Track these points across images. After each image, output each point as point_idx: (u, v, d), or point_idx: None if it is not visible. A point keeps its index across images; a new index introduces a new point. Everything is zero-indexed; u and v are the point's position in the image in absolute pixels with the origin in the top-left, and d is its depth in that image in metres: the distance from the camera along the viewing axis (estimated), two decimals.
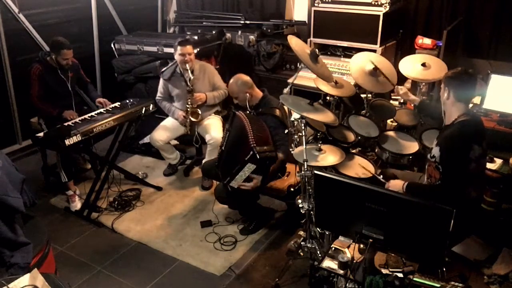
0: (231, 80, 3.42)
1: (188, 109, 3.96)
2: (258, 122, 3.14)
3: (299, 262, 3.02)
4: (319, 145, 2.82)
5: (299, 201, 2.84)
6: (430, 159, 2.49)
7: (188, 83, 3.89)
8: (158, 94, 4.16)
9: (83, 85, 4.13)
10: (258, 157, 2.88)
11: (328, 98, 3.46)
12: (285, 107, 3.34)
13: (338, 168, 2.84)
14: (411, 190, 2.49)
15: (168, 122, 4.16)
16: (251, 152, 2.90)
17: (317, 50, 3.10)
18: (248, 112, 3.28)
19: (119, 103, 3.86)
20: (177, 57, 3.89)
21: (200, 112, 3.98)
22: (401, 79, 3.46)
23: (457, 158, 2.35)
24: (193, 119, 3.97)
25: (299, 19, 4.98)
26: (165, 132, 4.10)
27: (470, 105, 3.52)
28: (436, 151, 2.44)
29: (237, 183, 3.08)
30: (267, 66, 4.76)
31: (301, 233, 3.06)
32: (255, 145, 2.91)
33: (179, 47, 3.83)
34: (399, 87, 3.25)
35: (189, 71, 3.84)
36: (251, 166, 2.96)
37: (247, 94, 3.32)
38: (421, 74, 3.25)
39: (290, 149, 2.88)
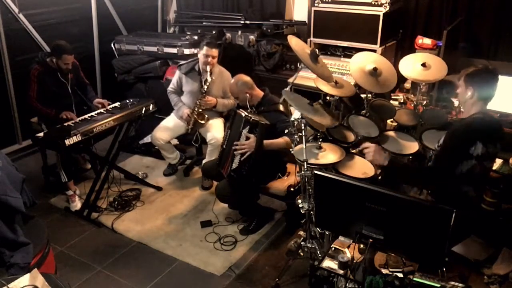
0: (232, 81, 3.44)
1: (195, 109, 3.96)
2: (257, 114, 3.19)
3: (299, 262, 3.02)
4: (319, 143, 2.82)
5: (299, 201, 2.84)
6: (436, 148, 2.50)
7: (204, 85, 3.87)
8: (171, 85, 4.16)
9: (82, 86, 4.12)
10: (249, 119, 3.00)
11: (328, 98, 3.46)
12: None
13: (338, 168, 2.84)
14: (393, 166, 2.41)
15: (170, 121, 4.16)
16: (243, 119, 3.02)
17: (317, 50, 3.09)
18: (249, 110, 3.29)
19: (119, 103, 3.86)
20: (200, 56, 3.88)
21: (207, 116, 3.98)
22: (401, 79, 3.45)
23: (455, 145, 2.34)
24: (199, 120, 3.96)
25: (299, 19, 4.98)
26: (166, 131, 4.10)
27: None
28: (442, 139, 2.45)
29: (236, 154, 3.13)
30: (267, 66, 4.76)
31: (301, 233, 3.06)
32: (246, 114, 3.04)
33: (205, 48, 3.81)
34: None
35: (208, 74, 3.84)
36: (245, 130, 3.07)
37: (247, 95, 3.34)
38: (421, 74, 3.25)
39: (291, 149, 2.88)
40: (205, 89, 3.87)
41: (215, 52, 3.85)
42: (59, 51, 3.71)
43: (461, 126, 2.39)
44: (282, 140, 3.14)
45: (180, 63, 4.13)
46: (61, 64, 3.74)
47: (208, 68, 3.83)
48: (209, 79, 3.85)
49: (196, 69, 3.99)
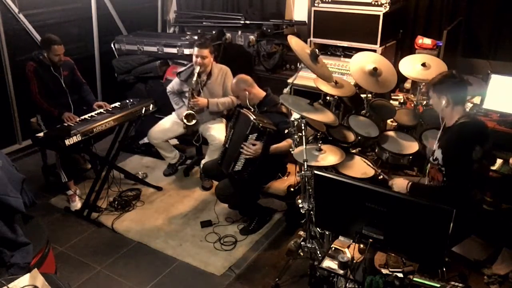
0: (232, 81, 3.44)
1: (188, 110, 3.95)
2: (262, 116, 3.18)
3: (299, 262, 3.03)
4: (319, 145, 2.82)
5: (299, 201, 2.84)
6: (432, 162, 2.49)
7: (194, 85, 3.84)
8: (170, 86, 4.12)
9: (78, 85, 4.07)
10: (258, 125, 2.96)
11: (328, 98, 3.46)
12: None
13: (338, 168, 2.84)
14: (415, 190, 2.47)
15: (167, 121, 4.15)
16: (251, 124, 2.98)
17: (317, 50, 3.09)
18: (252, 110, 3.29)
19: (119, 103, 3.86)
20: (193, 57, 3.87)
21: (195, 113, 3.91)
22: (401, 79, 3.45)
23: (460, 159, 2.34)
24: (187, 122, 3.89)
25: (299, 19, 4.98)
26: (162, 130, 4.09)
27: (470, 105, 3.54)
28: (438, 153, 2.44)
29: (241, 159, 3.12)
30: (267, 66, 4.75)
31: (301, 233, 3.06)
32: (255, 118, 3.01)
33: (195, 49, 3.80)
34: None
35: (196, 74, 3.80)
36: (253, 137, 3.04)
37: (246, 92, 3.33)
38: (421, 74, 3.25)
39: (291, 149, 2.88)
40: (192, 90, 3.84)
41: (205, 52, 3.80)
42: (48, 43, 3.69)
43: (455, 139, 2.38)
44: (286, 143, 3.13)
45: (179, 71, 4.08)
46: (52, 56, 3.72)
47: (198, 69, 3.79)
48: (194, 78, 3.80)
49: (194, 74, 3.97)
